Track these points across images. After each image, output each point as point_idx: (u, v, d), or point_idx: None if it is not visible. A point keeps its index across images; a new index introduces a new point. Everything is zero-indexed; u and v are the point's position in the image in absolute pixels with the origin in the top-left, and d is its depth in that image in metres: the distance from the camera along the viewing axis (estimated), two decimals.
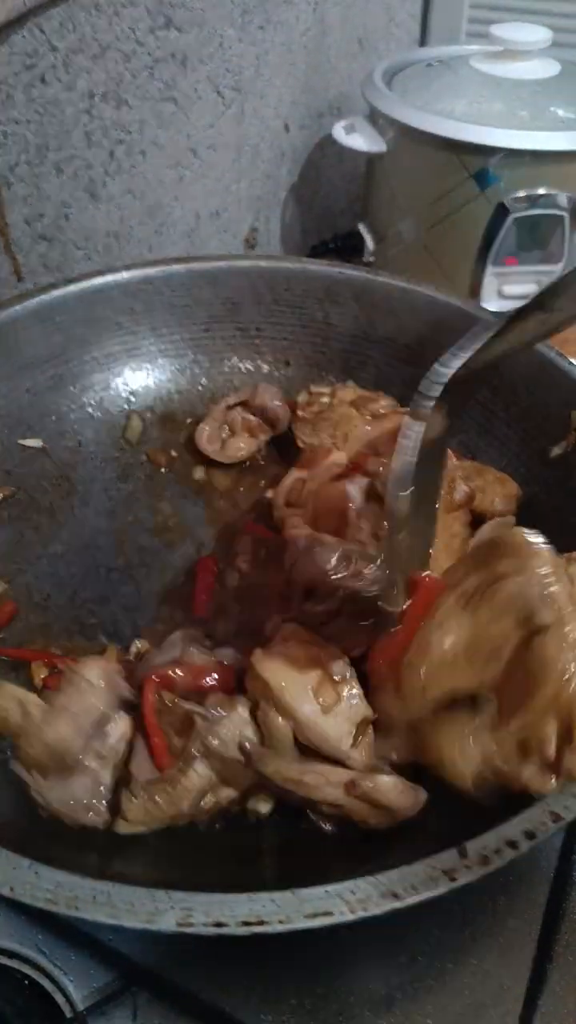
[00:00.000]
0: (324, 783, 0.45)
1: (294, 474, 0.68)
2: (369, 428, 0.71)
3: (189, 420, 0.77)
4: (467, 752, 0.44)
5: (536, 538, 0.46)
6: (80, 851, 0.46)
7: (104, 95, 0.75)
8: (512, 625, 0.43)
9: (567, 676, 0.41)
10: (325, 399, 0.74)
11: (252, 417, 0.76)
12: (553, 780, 0.41)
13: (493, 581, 0.44)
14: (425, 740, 0.46)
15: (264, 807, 0.49)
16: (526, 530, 0.47)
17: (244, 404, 0.76)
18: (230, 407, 0.75)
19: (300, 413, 0.75)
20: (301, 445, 0.72)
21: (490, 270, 0.91)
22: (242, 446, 0.75)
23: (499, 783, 0.43)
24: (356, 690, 0.48)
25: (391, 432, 0.71)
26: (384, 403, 0.73)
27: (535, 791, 0.41)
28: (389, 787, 0.45)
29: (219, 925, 0.37)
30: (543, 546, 0.45)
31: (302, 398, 0.75)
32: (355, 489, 0.63)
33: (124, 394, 0.77)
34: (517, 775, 0.42)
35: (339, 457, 0.69)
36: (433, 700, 0.45)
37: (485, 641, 0.44)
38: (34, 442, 0.71)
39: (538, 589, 0.43)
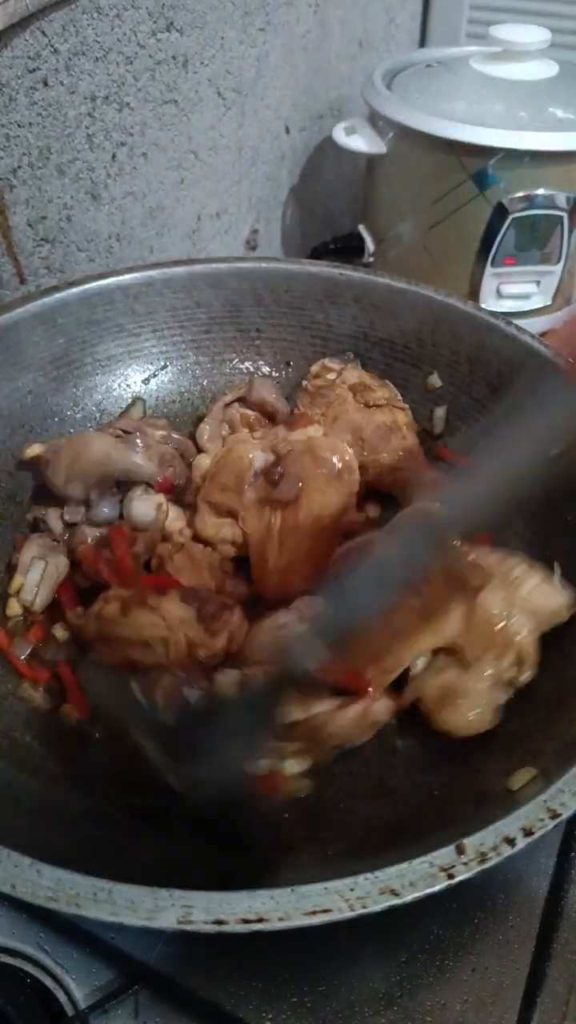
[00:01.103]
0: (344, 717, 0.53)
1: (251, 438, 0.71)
2: (359, 417, 0.72)
3: (191, 421, 0.78)
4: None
5: None
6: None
7: (106, 97, 0.76)
8: (455, 592, 0.55)
9: (508, 623, 0.55)
10: (331, 375, 0.75)
11: (251, 412, 0.76)
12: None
13: None
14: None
15: (298, 767, 0.54)
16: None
17: (242, 400, 0.76)
18: (227, 404, 0.76)
19: (305, 383, 0.76)
20: (296, 413, 0.74)
21: (489, 270, 0.92)
22: None
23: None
24: None
25: (380, 425, 0.72)
26: (381, 394, 0.73)
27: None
28: (383, 710, 0.55)
29: (219, 923, 0.37)
30: None
31: (314, 368, 0.76)
32: (260, 459, 0.64)
33: (126, 396, 0.77)
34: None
35: (316, 431, 0.70)
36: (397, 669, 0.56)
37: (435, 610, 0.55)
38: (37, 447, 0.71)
39: (463, 559, 0.56)
